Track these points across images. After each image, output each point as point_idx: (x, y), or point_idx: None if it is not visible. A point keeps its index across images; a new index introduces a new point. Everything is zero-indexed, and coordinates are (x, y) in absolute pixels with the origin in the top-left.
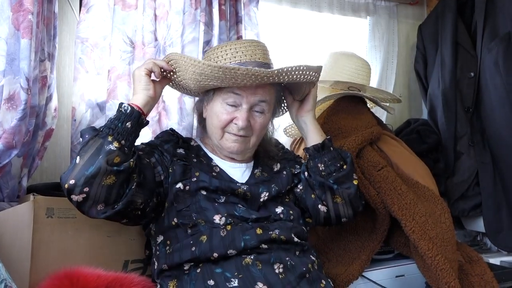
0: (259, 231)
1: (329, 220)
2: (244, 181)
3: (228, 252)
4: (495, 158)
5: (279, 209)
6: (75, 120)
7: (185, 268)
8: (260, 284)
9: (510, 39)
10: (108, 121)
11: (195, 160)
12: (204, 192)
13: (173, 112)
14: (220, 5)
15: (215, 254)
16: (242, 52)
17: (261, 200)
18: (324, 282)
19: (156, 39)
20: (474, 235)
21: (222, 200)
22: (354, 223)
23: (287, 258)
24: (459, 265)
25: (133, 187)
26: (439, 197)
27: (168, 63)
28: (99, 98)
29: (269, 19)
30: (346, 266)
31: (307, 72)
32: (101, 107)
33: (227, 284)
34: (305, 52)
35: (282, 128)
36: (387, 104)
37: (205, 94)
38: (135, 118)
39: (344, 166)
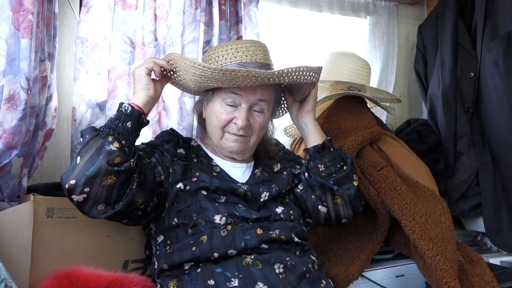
0: (259, 231)
1: (329, 221)
2: (244, 181)
3: (228, 252)
4: (495, 158)
5: (279, 209)
6: (75, 120)
7: (185, 268)
8: (260, 284)
9: (510, 39)
10: (109, 121)
11: (195, 160)
12: (204, 192)
13: (173, 112)
14: (220, 5)
15: (216, 254)
16: (243, 53)
17: (262, 200)
18: (324, 282)
19: (156, 39)
20: (474, 235)
21: (223, 200)
22: (354, 223)
23: (288, 258)
24: (459, 265)
25: (133, 187)
26: (439, 197)
27: (168, 62)
28: (99, 98)
29: (269, 19)
30: (346, 266)
31: (307, 73)
32: (101, 107)
33: (228, 284)
34: (305, 52)
35: (282, 128)
36: (387, 104)
37: (204, 94)
38: (135, 118)
39: (344, 167)
